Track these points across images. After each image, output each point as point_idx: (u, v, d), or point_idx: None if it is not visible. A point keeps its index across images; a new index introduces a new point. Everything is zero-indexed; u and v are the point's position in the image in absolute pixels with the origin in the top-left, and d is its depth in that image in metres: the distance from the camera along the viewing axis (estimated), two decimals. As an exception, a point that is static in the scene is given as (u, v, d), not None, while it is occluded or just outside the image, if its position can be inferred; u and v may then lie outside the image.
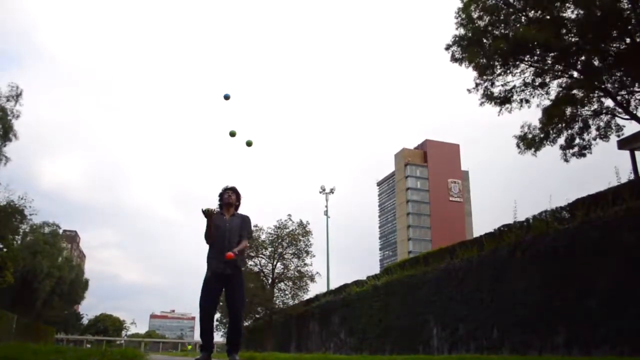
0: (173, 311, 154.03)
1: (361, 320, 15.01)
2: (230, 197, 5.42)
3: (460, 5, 16.84)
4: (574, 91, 16.55)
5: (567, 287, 7.68)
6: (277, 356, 12.20)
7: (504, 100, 17.43)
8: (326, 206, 33.29)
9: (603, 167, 13.84)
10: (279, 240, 25.55)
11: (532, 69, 16.91)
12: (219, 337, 25.50)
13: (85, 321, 78.64)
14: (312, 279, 25.22)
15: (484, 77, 17.17)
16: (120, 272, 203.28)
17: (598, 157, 17.46)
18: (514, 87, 17.22)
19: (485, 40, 16.64)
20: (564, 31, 15.55)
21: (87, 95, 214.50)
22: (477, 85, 17.48)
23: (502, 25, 16.54)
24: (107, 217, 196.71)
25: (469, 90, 17.75)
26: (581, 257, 7.49)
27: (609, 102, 16.45)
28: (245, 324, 26.23)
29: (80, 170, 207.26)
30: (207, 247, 5.29)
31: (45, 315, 45.43)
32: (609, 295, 6.95)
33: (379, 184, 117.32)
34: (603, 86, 15.88)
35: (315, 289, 26.03)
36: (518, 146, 17.47)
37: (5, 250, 27.97)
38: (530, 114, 18.02)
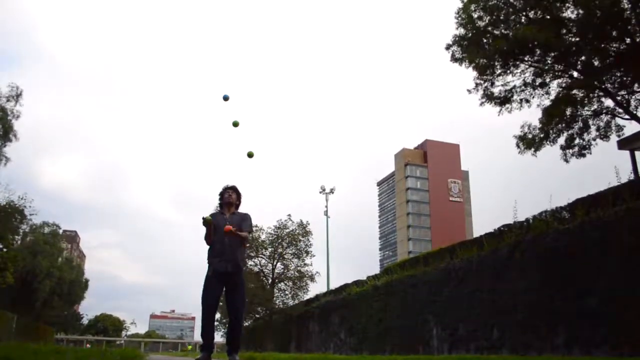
0: (173, 311, 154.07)
1: (361, 320, 15.00)
2: (230, 196, 5.44)
3: (461, 5, 16.85)
4: (574, 91, 16.54)
5: (567, 287, 7.68)
6: (276, 356, 12.20)
7: (504, 100, 17.44)
8: (326, 206, 33.33)
9: (603, 167, 13.84)
10: (279, 241, 25.57)
11: (532, 69, 16.91)
12: (218, 337, 25.49)
13: (85, 321, 78.67)
14: (312, 279, 25.25)
15: (484, 77, 17.17)
16: (120, 272, 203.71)
17: (598, 157, 17.47)
18: (514, 87, 17.23)
19: (485, 40, 16.64)
20: (564, 31, 15.56)
21: (87, 95, 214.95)
22: (477, 85, 17.48)
23: (502, 25, 16.55)
24: (107, 217, 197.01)
25: (469, 91, 17.77)
26: (581, 257, 7.49)
27: (609, 102, 16.45)
28: (245, 324, 26.22)
29: (80, 170, 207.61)
30: (207, 247, 5.30)
31: (45, 315, 45.43)
32: (609, 295, 6.94)
33: (379, 184, 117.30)
34: (603, 86, 15.87)
35: (315, 289, 26.07)
36: (518, 146, 17.46)
37: (5, 250, 27.97)
38: (530, 114, 18.02)
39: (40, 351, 5.81)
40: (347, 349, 15.80)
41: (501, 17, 16.41)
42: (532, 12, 16.27)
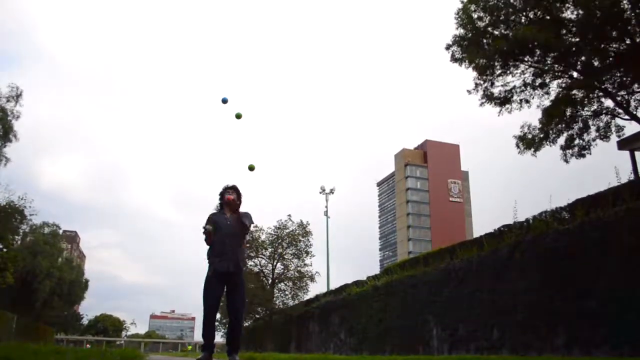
0: (173, 311, 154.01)
1: (361, 320, 15.00)
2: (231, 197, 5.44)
3: (460, 5, 16.86)
4: (574, 91, 16.55)
5: (567, 288, 7.68)
6: (276, 356, 12.22)
7: (504, 100, 17.44)
8: (326, 206, 33.32)
9: (603, 168, 13.84)
10: (279, 241, 25.58)
11: (532, 69, 16.91)
12: (219, 337, 25.49)
13: (85, 321, 78.66)
14: (312, 279, 25.26)
15: (484, 77, 17.18)
16: (120, 272, 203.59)
17: (598, 158, 17.47)
18: (514, 87, 17.23)
19: (485, 41, 16.64)
20: (564, 31, 15.55)
21: (87, 95, 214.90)
22: (477, 85, 17.49)
23: (502, 25, 16.55)
24: (107, 217, 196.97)
25: (469, 92, 17.77)
26: (581, 257, 7.49)
27: (608, 103, 16.46)
28: (245, 324, 26.23)
29: (80, 170, 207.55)
30: (207, 247, 5.31)
31: (45, 315, 45.42)
32: (609, 295, 6.95)
33: (379, 184, 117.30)
34: (603, 86, 15.88)
35: (315, 289, 26.08)
36: (518, 146, 17.47)
37: (5, 250, 27.96)
38: (530, 115, 18.03)
39: (40, 351, 5.82)
40: (347, 349, 15.80)
41: (501, 18, 16.41)
42: (532, 12, 16.27)
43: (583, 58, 15.63)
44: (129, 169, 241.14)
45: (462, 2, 16.81)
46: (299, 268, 25.43)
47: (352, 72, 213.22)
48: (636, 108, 16.01)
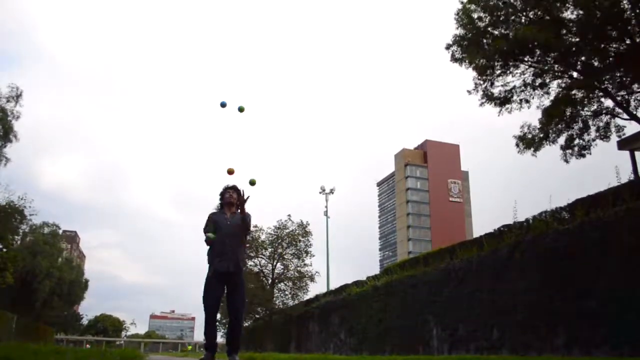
0: (173, 311, 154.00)
1: (361, 320, 15.00)
2: (231, 197, 5.44)
3: (460, 5, 16.86)
4: (574, 91, 16.55)
5: (567, 288, 7.68)
6: (276, 357, 12.22)
7: (504, 100, 17.44)
8: (326, 206, 33.34)
9: (603, 168, 13.87)
10: (279, 241, 25.58)
11: (532, 69, 16.91)
12: (219, 337, 25.48)
13: (85, 322, 78.63)
14: (312, 279, 25.27)
15: (484, 77, 17.18)
16: (120, 272, 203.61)
17: (598, 158, 17.47)
18: (514, 87, 17.23)
19: (485, 41, 16.64)
20: (564, 31, 15.55)
21: (87, 95, 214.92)
22: (476, 85, 17.49)
23: (502, 25, 16.55)
24: (107, 217, 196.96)
25: (469, 92, 17.77)
26: (581, 257, 7.49)
27: (608, 103, 16.46)
28: (245, 324, 26.23)
29: (80, 170, 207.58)
30: (207, 247, 5.31)
31: (45, 315, 45.40)
32: (609, 295, 6.95)
33: (379, 184, 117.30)
34: (603, 86, 15.88)
35: (315, 289, 26.09)
36: (517, 145, 17.47)
37: (5, 250, 27.95)
38: (530, 115, 18.03)
39: (40, 351, 5.82)
40: (347, 349, 15.80)
41: (501, 18, 16.41)
42: (532, 12, 16.26)
43: (583, 58, 15.63)
44: (129, 169, 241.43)
45: (462, 2, 16.80)
46: (298, 268, 25.45)
47: (353, 72, 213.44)
48: (636, 108, 16.01)
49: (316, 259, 27.71)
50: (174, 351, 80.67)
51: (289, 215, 25.90)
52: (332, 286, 25.84)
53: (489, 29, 16.64)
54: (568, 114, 16.66)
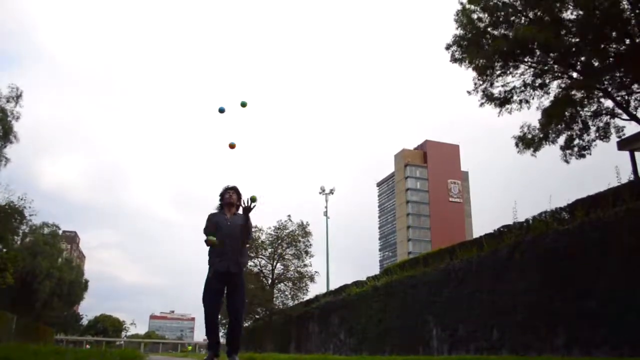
0: (173, 312, 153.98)
1: (361, 321, 15.00)
2: (231, 197, 5.44)
3: (460, 6, 16.87)
4: (574, 92, 16.56)
5: (566, 288, 7.67)
6: (276, 357, 12.21)
7: (503, 101, 17.45)
8: (326, 207, 33.31)
9: (603, 168, 13.87)
10: (279, 241, 25.60)
11: (531, 69, 16.93)
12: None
13: (85, 322, 78.64)
14: (311, 279, 25.29)
15: (484, 77, 17.19)
16: (120, 272, 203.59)
17: (598, 158, 17.48)
18: (514, 87, 17.24)
19: (485, 41, 16.65)
20: (564, 31, 15.56)
21: (87, 95, 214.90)
22: (476, 85, 17.50)
23: (502, 25, 16.57)
24: (107, 218, 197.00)
25: (469, 92, 17.78)
26: (581, 258, 7.48)
27: (608, 103, 16.48)
28: (245, 324, 26.23)
29: (80, 170, 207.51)
30: (207, 247, 5.30)
31: (45, 316, 45.38)
32: (609, 295, 6.94)
33: (379, 184, 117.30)
34: (602, 87, 15.89)
35: (314, 289, 26.10)
36: (517, 146, 17.48)
37: (5, 251, 27.95)
38: (530, 115, 18.06)
39: (40, 352, 5.81)
40: (346, 349, 15.79)
41: (501, 18, 16.43)
42: (532, 12, 16.28)
43: (583, 58, 15.65)
44: (129, 169, 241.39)
45: (462, 2, 16.82)
46: (298, 268, 25.47)
47: (353, 72, 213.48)
48: (636, 108, 16.02)
49: (316, 259, 27.78)
50: (174, 351, 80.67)
51: (289, 215, 25.96)
52: (332, 286, 25.85)
53: (489, 29, 16.66)
54: (568, 114, 16.67)
